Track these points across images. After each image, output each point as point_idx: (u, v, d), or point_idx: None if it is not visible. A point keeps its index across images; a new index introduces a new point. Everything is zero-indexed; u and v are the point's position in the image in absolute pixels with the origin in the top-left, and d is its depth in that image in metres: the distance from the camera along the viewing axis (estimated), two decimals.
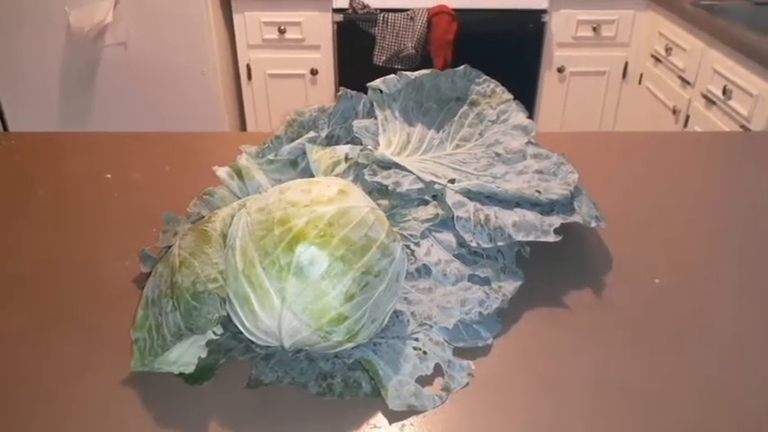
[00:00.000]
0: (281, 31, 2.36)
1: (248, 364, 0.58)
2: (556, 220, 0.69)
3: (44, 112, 2.37)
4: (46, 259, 0.74)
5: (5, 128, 2.37)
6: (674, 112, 2.12)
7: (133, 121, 2.36)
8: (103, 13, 2.13)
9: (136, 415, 0.54)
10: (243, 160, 0.71)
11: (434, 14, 2.25)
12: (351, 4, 2.29)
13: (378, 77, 0.81)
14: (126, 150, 1.02)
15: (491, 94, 0.86)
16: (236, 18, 2.35)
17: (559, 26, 2.37)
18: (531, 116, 0.85)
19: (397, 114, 0.81)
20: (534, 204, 0.71)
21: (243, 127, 2.59)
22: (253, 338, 0.56)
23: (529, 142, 0.81)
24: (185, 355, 0.56)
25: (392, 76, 0.82)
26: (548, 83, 2.48)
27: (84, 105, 2.37)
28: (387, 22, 2.27)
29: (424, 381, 0.56)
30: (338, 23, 2.32)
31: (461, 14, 2.26)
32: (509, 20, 2.33)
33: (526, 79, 2.44)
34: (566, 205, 0.72)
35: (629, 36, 2.40)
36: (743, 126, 1.75)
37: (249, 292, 0.53)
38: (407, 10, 2.27)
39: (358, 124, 0.77)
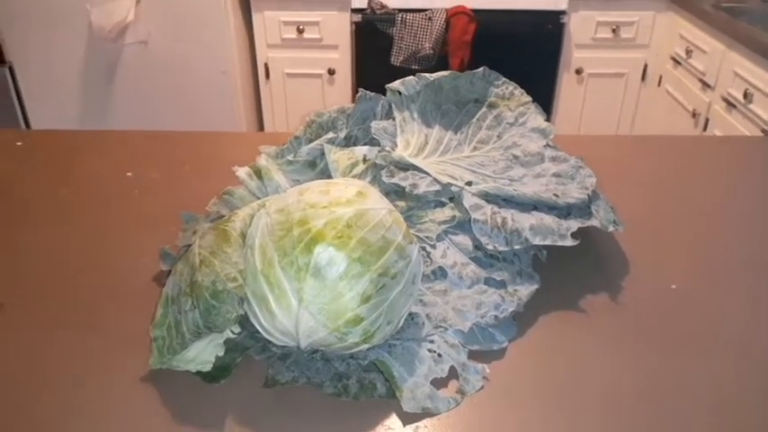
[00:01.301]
0: (300, 31, 2.37)
1: (265, 363, 0.58)
2: (573, 224, 0.69)
3: (65, 110, 2.41)
4: (66, 256, 0.76)
5: (27, 125, 2.41)
6: (694, 115, 2.10)
7: (152, 119, 2.39)
8: (125, 11, 2.16)
9: (154, 412, 0.54)
10: (262, 161, 0.72)
11: (452, 15, 2.25)
12: (369, 4, 2.29)
13: (395, 78, 0.82)
14: (146, 149, 1.03)
15: (509, 96, 0.86)
16: (255, 17, 2.37)
17: (578, 27, 2.36)
18: (548, 118, 0.85)
19: (415, 116, 0.81)
20: (551, 208, 0.71)
21: (260, 126, 2.61)
22: (270, 338, 0.57)
23: (547, 145, 0.81)
24: (203, 354, 0.57)
25: (411, 77, 0.82)
26: (566, 84, 2.47)
27: (104, 103, 2.40)
28: (405, 22, 2.28)
29: (438, 383, 0.56)
30: (356, 23, 2.33)
31: (479, 15, 2.26)
32: (527, 21, 2.32)
33: (544, 80, 2.43)
34: (583, 209, 0.72)
35: (649, 38, 2.38)
36: (764, 130, 1.73)
37: (267, 292, 0.54)
38: (425, 10, 2.27)
39: (376, 125, 0.78)
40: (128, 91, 2.37)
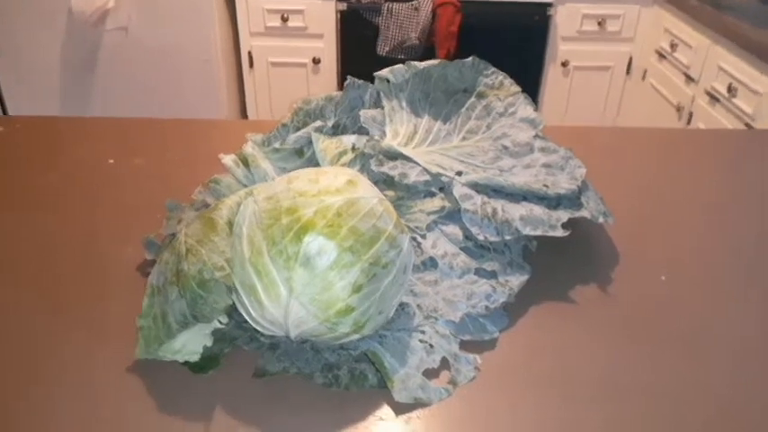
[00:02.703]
0: (284, 19, 2.35)
1: (253, 353, 0.57)
2: (563, 215, 0.69)
3: (44, 97, 2.36)
4: (48, 244, 0.74)
5: (5, 112, 2.36)
6: (678, 108, 2.11)
7: (133, 106, 2.35)
8: None
9: (140, 402, 0.53)
10: (249, 148, 0.71)
11: (439, 5, 2.24)
12: None
13: (380, 67, 0.80)
14: (129, 136, 1.01)
15: (499, 86, 0.85)
16: (239, 5, 2.33)
17: (564, 20, 2.36)
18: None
19: (404, 105, 0.80)
20: (541, 198, 0.70)
21: (243, 114, 2.58)
22: (258, 328, 0.56)
23: (536, 135, 0.81)
24: (190, 344, 0.56)
25: (400, 65, 0.81)
26: (551, 76, 2.47)
27: (84, 90, 2.35)
28: (391, 12, 2.26)
29: (430, 374, 0.56)
30: (341, 12, 2.31)
31: (466, 6, 2.25)
32: (514, 12, 2.31)
33: (530, 72, 2.43)
34: (573, 200, 0.72)
35: (634, 31, 2.39)
36: (747, 124, 1.74)
37: (256, 282, 0.53)
38: (412, 0, 2.26)
39: (365, 114, 0.77)
40: (108, 78, 2.33)
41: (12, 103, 2.36)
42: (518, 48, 2.37)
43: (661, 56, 2.28)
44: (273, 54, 2.42)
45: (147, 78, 2.32)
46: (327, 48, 2.40)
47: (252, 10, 2.34)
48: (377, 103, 0.80)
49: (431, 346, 0.57)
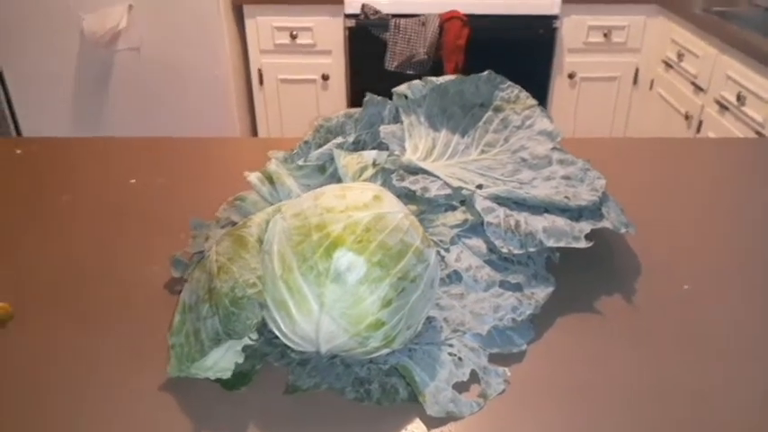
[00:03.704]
0: (293, 37, 2.37)
1: (284, 369, 0.58)
2: (586, 226, 0.69)
3: (57, 117, 2.38)
4: (75, 265, 0.75)
5: (18, 132, 2.38)
6: (687, 117, 2.12)
7: (145, 125, 2.37)
8: (117, 18, 2.15)
9: (174, 421, 0.54)
10: (273, 166, 0.72)
11: (446, 20, 2.26)
12: (363, 9, 2.29)
13: (389, 83, 0.82)
14: (148, 156, 1.02)
15: (515, 99, 0.86)
16: (248, 23, 2.36)
17: (570, 32, 2.38)
18: None
19: (422, 120, 0.81)
20: (563, 210, 0.71)
21: (254, 131, 2.60)
22: (289, 343, 0.56)
23: (554, 148, 0.81)
24: (222, 361, 0.56)
25: (417, 81, 0.82)
26: (558, 88, 2.48)
27: (96, 110, 2.38)
28: (398, 27, 2.28)
29: (460, 387, 0.56)
30: (350, 29, 2.33)
31: (473, 20, 2.27)
32: (520, 25, 2.33)
33: (537, 85, 2.44)
34: (594, 211, 0.72)
35: (640, 42, 2.40)
36: (757, 132, 1.75)
37: (287, 298, 0.53)
38: (419, 15, 2.28)
39: (385, 130, 0.78)
40: (120, 98, 2.35)
41: (25, 123, 2.39)
42: (525, 60, 2.38)
43: (668, 65, 2.29)
44: (283, 71, 2.45)
45: (159, 98, 2.34)
46: (336, 64, 2.42)
47: (261, 28, 2.37)
48: (395, 119, 0.81)
49: (459, 359, 0.58)
